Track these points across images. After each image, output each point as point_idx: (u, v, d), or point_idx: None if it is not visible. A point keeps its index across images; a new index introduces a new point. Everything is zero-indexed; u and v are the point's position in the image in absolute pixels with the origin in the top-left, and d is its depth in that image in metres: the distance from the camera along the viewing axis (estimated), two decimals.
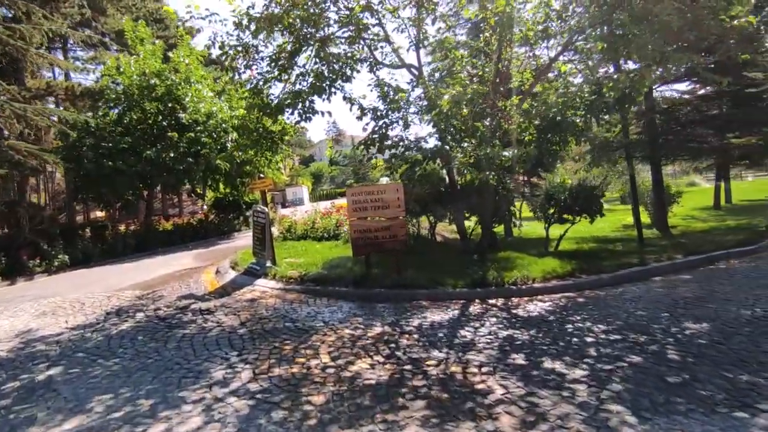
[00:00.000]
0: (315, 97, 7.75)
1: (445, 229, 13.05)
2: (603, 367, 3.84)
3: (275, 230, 13.15)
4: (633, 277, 7.21)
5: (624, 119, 8.13)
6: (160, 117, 16.93)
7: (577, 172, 15.11)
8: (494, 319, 5.39)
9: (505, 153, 7.02)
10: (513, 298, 6.48)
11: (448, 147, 6.99)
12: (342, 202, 19.38)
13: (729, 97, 11.81)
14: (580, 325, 5.01)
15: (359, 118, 8.05)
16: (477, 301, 6.43)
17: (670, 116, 12.09)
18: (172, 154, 15.93)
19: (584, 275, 7.20)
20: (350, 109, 8.26)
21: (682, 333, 4.55)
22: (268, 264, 8.49)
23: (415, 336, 4.92)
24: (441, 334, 4.92)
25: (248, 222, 22.07)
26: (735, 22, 6.24)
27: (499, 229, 11.57)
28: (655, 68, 6.20)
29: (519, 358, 4.13)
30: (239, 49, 7.47)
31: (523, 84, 7.47)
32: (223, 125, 17.35)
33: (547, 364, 3.97)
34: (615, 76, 5.95)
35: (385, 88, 7.71)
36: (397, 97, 7.72)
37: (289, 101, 7.59)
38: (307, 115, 7.70)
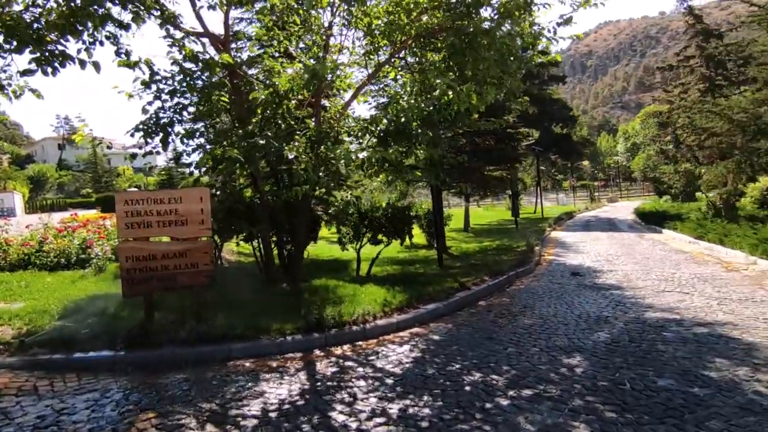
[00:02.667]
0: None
1: (226, 251, 10.89)
2: None
3: None
4: (463, 303, 6.98)
5: (437, 140, 8.06)
6: None
7: (369, 191, 15.15)
8: (362, 383, 3.96)
9: (360, 152, 5.64)
10: (359, 342, 5.21)
11: (274, 144, 5.26)
12: (88, 213, 14.32)
13: (492, 134, 13.86)
14: (471, 377, 4.08)
15: (146, 85, 5.45)
16: (318, 351, 4.88)
17: (453, 144, 13.34)
18: None
19: (421, 305, 6.55)
20: (133, 71, 5.53)
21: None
22: None
23: None
24: (308, 429, 3.18)
25: None
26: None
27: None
28: (493, 89, 6.11)
29: None
30: None
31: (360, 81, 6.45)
32: None
33: None
34: (459, 88, 5.50)
35: (182, 52, 5.43)
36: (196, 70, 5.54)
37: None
38: (52, 62, 4.65)
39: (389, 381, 4.00)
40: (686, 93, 16.75)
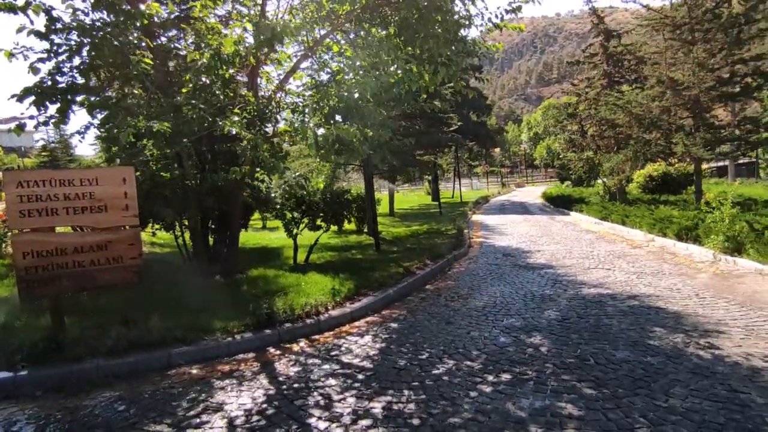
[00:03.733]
0: None
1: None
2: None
3: None
4: (411, 288, 6.85)
5: (386, 120, 7.74)
6: None
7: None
8: (332, 382, 3.60)
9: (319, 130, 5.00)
10: (315, 336, 4.82)
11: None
12: None
13: (422, 117, 13.92)
14: (444, 365, 3.91)
15: (43, 37, 4.36)
16: (272, 350, 4.41)
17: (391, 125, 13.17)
18: None
19: (370, 292, 6.29)
20: (17, 15, 4.36)
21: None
22: None
23: None
24: None
25: None
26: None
27: None
28: (444, 69, 5.95)
29: None
30: None
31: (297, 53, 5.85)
32: None
33: None
34: (408, 67, 5.27)
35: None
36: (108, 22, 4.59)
37: None
38: None
39: (361, 377, 3.70)
40: (590, 87, 18.31)
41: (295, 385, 3.55)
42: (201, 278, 6.52)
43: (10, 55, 5.00)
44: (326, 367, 3.93)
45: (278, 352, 4.34)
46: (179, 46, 5.83)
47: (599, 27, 17.64)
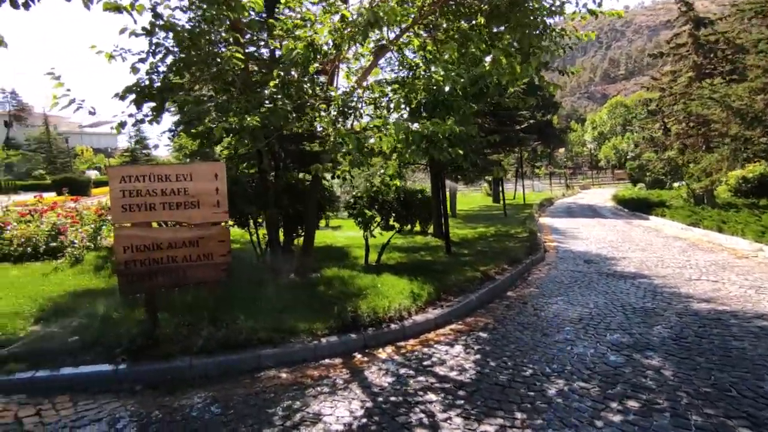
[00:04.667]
0: None
1: None
2: None
3: None
4: (492, 294, 6.43)
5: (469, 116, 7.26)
6: None
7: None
8: (432, 397, 3.30)
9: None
10: (401, 343, 4.55)
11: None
12: (26, 198, 12.68)
13: (495, 116, 13.31)
14: (554, 385, 3.51)
15: (148, 33, 4.44)
16: (359, 355, 4.19)
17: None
18: None
19: (451, 297, 5.95)
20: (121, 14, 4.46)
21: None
22: None
23: None
24: None
25: None
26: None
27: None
28: (536, 61, 5.49)
29: None
30: None
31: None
32: None
33: None
34: (499, 58, 4.85)
35: None
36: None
37: None
38: None
39: (462, 393, 3.36)
40: (675, 81, 16.75)
41: (392, 399, 3.29)
42: (276, 276, 6.48)
43: (111, 57, 5.19)
44: (421, 379, 3.63)
45: (365, 358, 4.11)
46: (262, 43, 5.79)
47: (688, 14, 16.09)
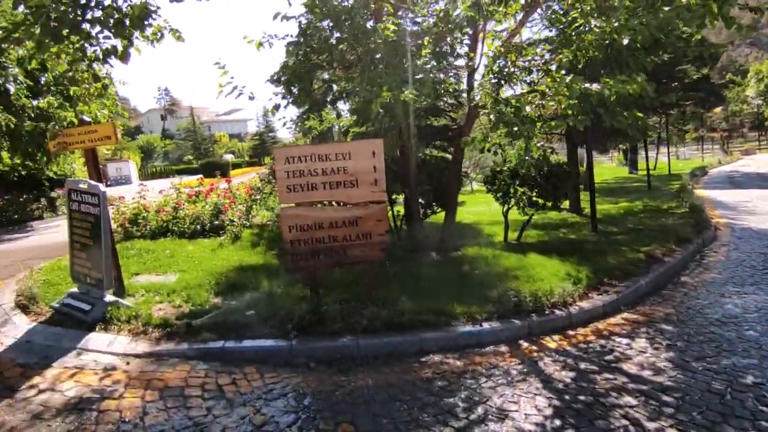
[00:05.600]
0: None
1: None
2: None
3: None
4: (663, 279, 5.56)
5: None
6: None
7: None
8: (630, 401, 2.86)
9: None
10: (569, 332, 4.11)
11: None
12: (191, 180, 14.44)
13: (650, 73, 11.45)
14: None
15: (311, 8, 4.53)
16: (525, 343, 3.86)
17: None
18: None
19: (615, 282, 5.25)
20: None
21: None
22: (108, 297, 4.36)
23: None
24: None
25: (57, 207, 15.45)
26: None
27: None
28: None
29: None
30: None
31: None
32: None
33: None
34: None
35: None
36: None
37: None
38: None
39: (668, 399, 2.85)
40: None
41: (581, 398, 2.91)
42: (418, 255, 6.39)
43: (260, 44, 5.41)
44: (609, 376, 3.18)
45: (533, 347, 3.77)
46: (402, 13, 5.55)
47: None
